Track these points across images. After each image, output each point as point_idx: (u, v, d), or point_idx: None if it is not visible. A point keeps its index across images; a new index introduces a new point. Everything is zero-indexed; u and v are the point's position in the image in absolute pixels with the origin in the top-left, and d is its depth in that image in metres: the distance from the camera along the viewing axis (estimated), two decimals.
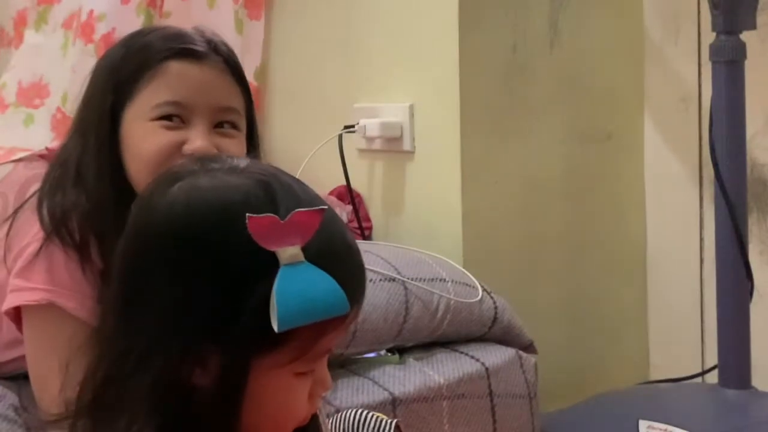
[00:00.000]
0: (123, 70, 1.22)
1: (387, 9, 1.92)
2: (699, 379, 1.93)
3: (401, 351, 1.54)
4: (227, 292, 0.75)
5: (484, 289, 1.63)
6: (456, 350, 1.57)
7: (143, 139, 1.20)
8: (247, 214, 0.75)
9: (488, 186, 1.86)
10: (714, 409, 1.75)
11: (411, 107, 1.87)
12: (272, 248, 0.75)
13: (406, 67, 1.89)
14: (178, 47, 1.22)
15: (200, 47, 1.23)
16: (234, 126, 1.24)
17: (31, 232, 1.20)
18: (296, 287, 0.74)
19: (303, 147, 1.97)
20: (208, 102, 1.21)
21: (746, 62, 1.70)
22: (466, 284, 1.63)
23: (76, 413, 0.82)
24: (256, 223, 0.75)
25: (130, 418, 0.76)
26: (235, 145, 1.22)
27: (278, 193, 0.79)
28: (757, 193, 1.92)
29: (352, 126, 1.92)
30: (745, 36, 1.70)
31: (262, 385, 0.77)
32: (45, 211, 1.20)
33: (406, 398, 1.43)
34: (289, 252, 0.75)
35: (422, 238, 1.82)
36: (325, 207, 0.78)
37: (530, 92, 1.91)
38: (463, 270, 1.69)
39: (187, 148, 1.19)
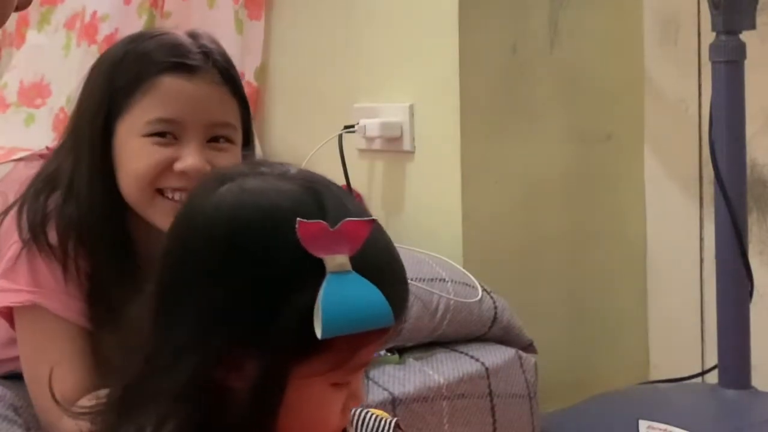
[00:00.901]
0: (118, 81, 1.21)
1: (387, 9, 1.92)
2: (699, 379, 1.93)
3: (401, 351, 1.54)
4: (271, 296, 0.75)
5: (484, 289, 1.63)
6: (456, 350, 1.57)
7: (135, 155, 1.19)
8: (298, 219, 0.74)
9: (488, 186, 1.86)
10: (714, 409, 1.75)
11: (411, 107, 1.87)
12: (320, 255, 0.74)
13: (406, 67, 1.89)
14: (172, 61, 1.20)
15: (195, 60, 1.21)
16: (228, 140, 1.23)
17: (16, 233, 1.20)
18: (342, 296, 0.73)
19: (303, 147, 1.97)
20: (201, 118, 1.20)
21: (746, 62, 1.70)
22: (466, 284, 1.63)
23: (104, 409, 0.82)
24: (306, 228, 0.74)
25: (160, 416, 0.76)
26: (228, 159, 1.21)
27: (327, 202, 0.79)
28: (757, 193, 1.92)
29: (352, 126, 1.92)
30: (745, 36, 1.70)
31: (298, 394, 0.77)
32: (24, 215, 1.20)
33: (406, 398, 1.43)
34: (337, 260, 0.74)
35: (422, 238, 1.82)
36: (374, 218, 0.78)
37: (530, 92, 1.91)
38: (463, 270, 1.69)
39: (178, 165, 1.19)
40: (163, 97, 1.19)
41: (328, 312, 0.72)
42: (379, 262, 0.78)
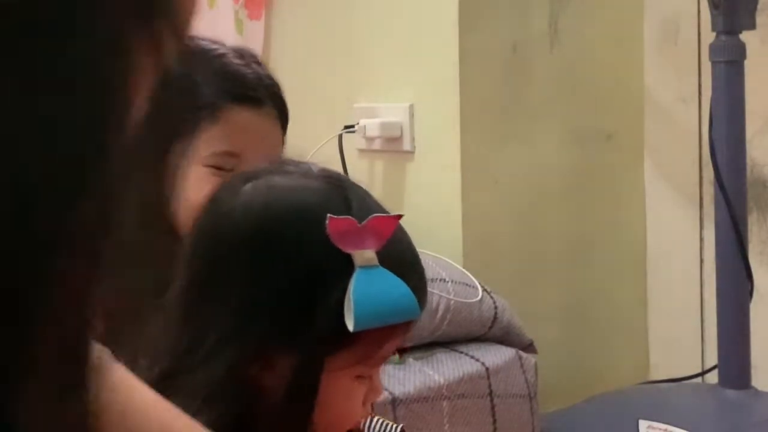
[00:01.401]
0: (173, 103, 1.19)
1: (387, 9, 1.92)
2: (699, 379, 1.93)
3: (401, 351, 1.54)
4: (305, 292, 0.76)
5: (484, 289, 1.63)
6: (456, 350, 1.57)
7: (195, 184, 1.17)
8: (328, 215, 0.75)
9: (488, 186, 1.86)
10: (714, 409, 1.76)
11: (411, 107, 1.88)
12: (348, 250, 0.76)
13: (406, 67, 1.89)
14: (240, 92, 1.18)
15: (261, 94, 1.20)
16: None
17: None
18: (372, 290, 0.75)
19: (303, 147, 1.97)
20: (261, 153, 1.18)
21: (746, 62, 1.70)
22: (466, 284, 1.63)
23: None
24: (336, 224, 0.76)
25: (192, 413, 0.75)
26: None
27: (353, 198, 0.80)
28: (757, 193, 1.92)
29: (352, 126, 1.92)
30: (745, 36, 1.70)
31: (327, 388, 0.77)
32: None
33: (406, 398, 1.43)
34: (365, 255, 0.76)
35: (422, 238, 1.82)
36: (400, 214, 0.80)
37: (530, 92, 1.91)
38: (463, 270, 1.69)
39: None
40: (233, 130, 1.17)
41: (359, 306, 0.74)
42: (404, 257, 0.82)
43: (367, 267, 0.76)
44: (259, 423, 0.77)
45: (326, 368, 0.76)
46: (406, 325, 0.80)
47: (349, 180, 0.85)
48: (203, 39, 1.23)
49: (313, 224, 0.76)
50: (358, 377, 0.80)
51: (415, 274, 0.82)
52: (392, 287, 0.77)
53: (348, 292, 0.74)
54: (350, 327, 0.74)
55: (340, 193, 0.80)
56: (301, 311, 0.75)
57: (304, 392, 0.76)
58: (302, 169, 0.83)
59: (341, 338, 0.75)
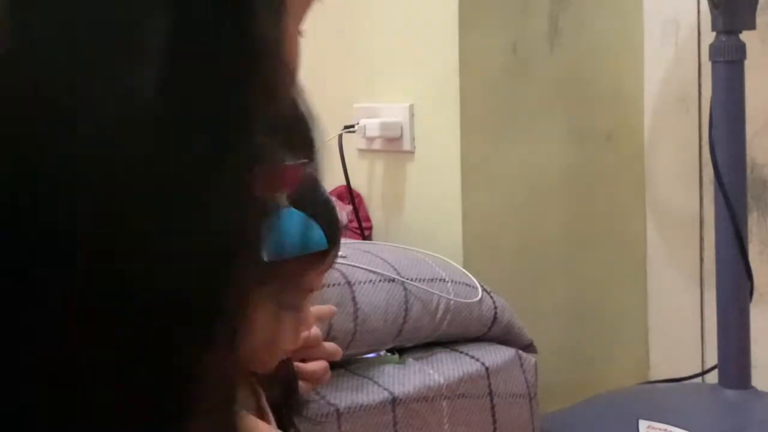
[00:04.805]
0: None
1: (387, 9, 1.92)
2: (699, 379, 1.93)
3: (401, 351, 1.54)
4: None
5: (484, 289, 1.63)
6: (456, 350, 1.57)
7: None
8: None
9: (488, 186, 1.86)
10: (714, 409, 1.76)
11: (411, 107, 1.88)
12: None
13: (406, 67, 1.89)
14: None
15: None
16: None
17: None
18: (282, 226, 0.84)
19: None
20: None
21: (746, 62, 1.70)
22: (466, 284, 1.63)
23: None
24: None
25: None
26: None
27: None
28: (757, 193, 1.92)
29: (352, 126, 1.92)
30: (745, 36, 1.70)
31: (253, 314, 0.81)
32: None
33: (406, 398, 1.43)
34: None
35: (422, 238, 1.82)
36: (306, 161, 0.85)
37: (530, 92, 1.91)
38: (463, 270, 1.69)
39: None
40: None
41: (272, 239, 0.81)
42: (313, 198, 0.91)
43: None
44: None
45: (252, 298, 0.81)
46: (322, 258, 0.91)
47: None
48: None
49: None
50: (285, 308, 0.90)
51: (322, 214, 0.91)
52: (300, 223, 0.88)
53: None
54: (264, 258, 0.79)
55: None
56: None
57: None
58: None
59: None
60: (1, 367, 0.43)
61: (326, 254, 0.92)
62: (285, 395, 1.01)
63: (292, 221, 0.88)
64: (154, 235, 0.44)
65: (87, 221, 0.43)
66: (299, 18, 0.57)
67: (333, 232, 0.93)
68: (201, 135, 0.45)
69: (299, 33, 0.57)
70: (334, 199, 1.93)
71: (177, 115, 0.44)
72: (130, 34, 0.43)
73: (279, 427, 0.95)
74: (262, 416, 0.92)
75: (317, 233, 0.89)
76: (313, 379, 1.11)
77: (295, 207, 0.87)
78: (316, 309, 1.17)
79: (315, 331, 1.12)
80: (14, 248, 0.43)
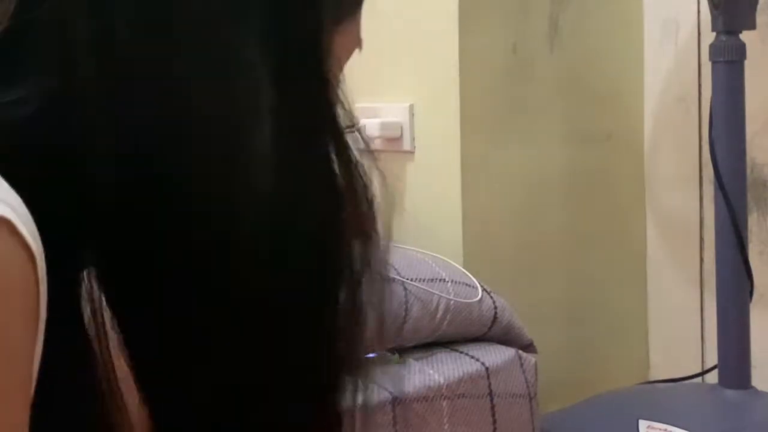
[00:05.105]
0: None
1: (387, 9, 1.92)
2: (699, 379, 1.93)
3: (401, 351, 1.54)
4: None
5: (484, 289, 1.63)
6: (456, 350, 1.57)
7: None
8: None
9: (488, 186, 1.86)
10: (714, 409, 1.76)
11: (411, 107, 1.88)
12: None
13: (406, 67, 1.89)
14: None
15: None
16: None
17: None
18: None
19: None
20: None
21: (746, 62, 1.70)
22: (466, 284, 1.63)
23: None
24: None
25: None
26: None
27: None
28: (757, 193, 1.92)
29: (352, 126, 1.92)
30: (745, 36, 1.70)
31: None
32: None
33: (406, 398, 1.43)
34: None
35: (422, 238, 1.82)
36: None
37: (530, 92, 1.91)
38: (463, 270, 1.69)
39: None
40: None
41: None
42: None
43: None
44: None
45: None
46: None
47: None
48: None
49: None
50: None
51: None
52: None
53: None
54: None
55: None
56: None
57: None
58: None
59: None
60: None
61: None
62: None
63: None
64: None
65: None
66: (341, 66, 0.69)
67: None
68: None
69: (340, 80, 0.69)
70: None
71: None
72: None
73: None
74: None
75: None
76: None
77: None
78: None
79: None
80: None
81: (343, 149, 0.59)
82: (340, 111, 0.61)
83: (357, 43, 0.68)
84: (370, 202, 0.60)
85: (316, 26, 0.57)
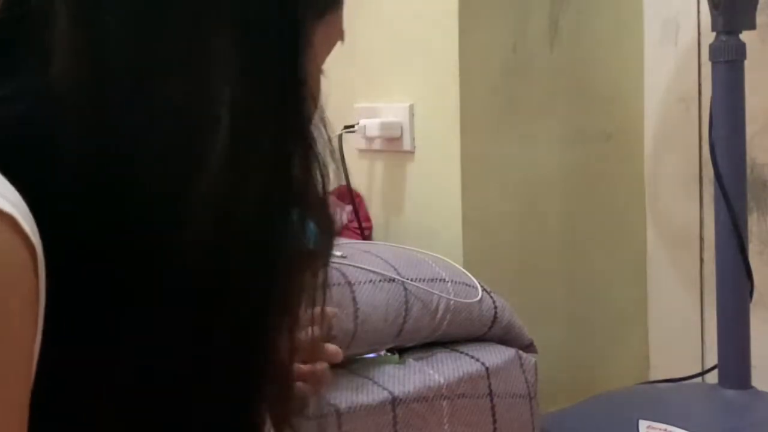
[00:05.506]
0: None
1: (387, 9, 1.92)
2: (699, 379, 1.93)
3: (401, 351, 1.54)
4: None
5: (484, 289, 1.63)
6: (456, 350, 1.57)
7: None
8: None
9: (488, 186, 1.86)
10: (714, 409, 1.76)
11: (411, 107, 1.88)
12: None
13: (406, 67, 1.89)
14: None
15: None
16: None
17: None
18: None
19: None
20: None
21: (746, 62, 1.70)
22: (466, 284, 1.63)
23: None
24: None
25: None
26: None
27: None
28: (757, 193, 1.92)
29: (352, 126, 1.92)
30: (745, 36, 1.70)
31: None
32: None
33: (406, 398, 1.43)
34: None
35: (422, 238, 1.82)
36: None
37: (530, 92, 1.91)
38: (463, 270, 1.69)
39: None
40: None
41: None
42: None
43: None
44: None
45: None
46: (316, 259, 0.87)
47: None
48: None
49: None
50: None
51: (319, 215, 0.84)
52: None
53: None
54: None
55: None
56: None
57: None
58: None
59: None
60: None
61: (322, 256, 0.92)
62: (279, 394, 1.00)
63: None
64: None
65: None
66: (323, 58, 0.68)
67: (328, 234, 0.93)
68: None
69: (321, 71, 0.70)
70: (333, 199, 1.93)
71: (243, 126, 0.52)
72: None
73: (273, 427, 0.95)
74: None
75: (312, 235, 0.89)
76: (314, 381, 1.11)
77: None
78: (317, 310, 1.17)
79: (316, 332, 1.12)
80: None
81: (307, 151, 0.57)
82: (312, 109, 0.60)
83: (339, 35, 0.69)
84: (325, 211, 0.61)
85: (295, 23, 0.56)
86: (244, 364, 0.53)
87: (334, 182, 2.08)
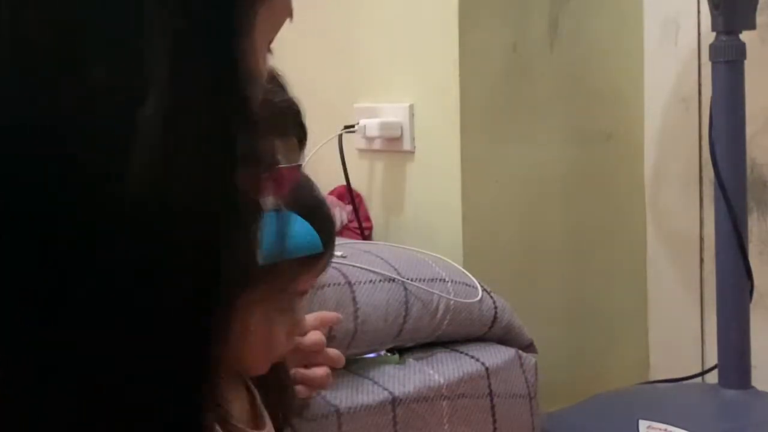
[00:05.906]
0: None
1: (387, 9, 1.92)
2: (699, 379, 1.93)
3: (401, 351, 1.54)
4: None
5: (484, 289, 1.63)
6: (456, 350, 1.57)
7: None
8: None
9: (488, 186, 1.86)
10: (714, 409, 1.76)
11: (411, 107, 1.88)
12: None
13: (406, 67, 1.89)
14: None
15: (287, 123, 1.22)
16: None
17: None
18: (276, 228, 0.81)
19: None
20: None
21: (746, 62, 1.70)
22: (466, 284, 1.63)
23: None
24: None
25: None
26: None
27: None
28: (757, 193, 1.92)
29: (352, 126, 1.92)
30: (745, 36, 1.70)
31: (246, 317, 0.83)
32: None
33: (406, 398, 1.43)
34: (270, 200, 0.82)
35: (422, 238, 1.82)
36: (301, 164, 0.90)
37: (530, 92, 1.91)
38: (463, 270, 1.69)
39: None
40: None
41: (266, 242, 0.80)
42: (307, 202, 0.92)
43: (272, 210, 0.81)
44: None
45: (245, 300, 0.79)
46: (316, 261, 0.90)
47: None
48: None
49: None
50: (280, 310, 0.89)
51: (317, 216, 0.91)
52: (295, 226, 0.87)
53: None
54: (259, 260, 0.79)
55: None
56: None
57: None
58: None
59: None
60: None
61: (321, 257, 0.91)
62: (280, 397, 1.00)
63: (287, 224, 0.86)
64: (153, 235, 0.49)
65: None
66: (269, 36, 0.64)
67: (328, 235, 0.92)
68: (189, 142, 0.50)
69: (269, 50, 0.64)
70: (333, 199, 1.93)
71: (169, 124, 0.49)
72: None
73: (275, 428, 0.95)
74: (256, 416, 0.92)
75: (312, 236, 0.88)
76: (315, 384, 1.12)
77: (290, 209, 0.84)
78: (321, 314, 1.17)
79: (318, 336, 1.12)
80: None
81: (252, 130, 0.54)
82: (256, 89, 0.57)
83: (287, 11, 0.65)
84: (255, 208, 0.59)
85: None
86: (186, 349, 0.50)
87: (334, 182, 2.08)
